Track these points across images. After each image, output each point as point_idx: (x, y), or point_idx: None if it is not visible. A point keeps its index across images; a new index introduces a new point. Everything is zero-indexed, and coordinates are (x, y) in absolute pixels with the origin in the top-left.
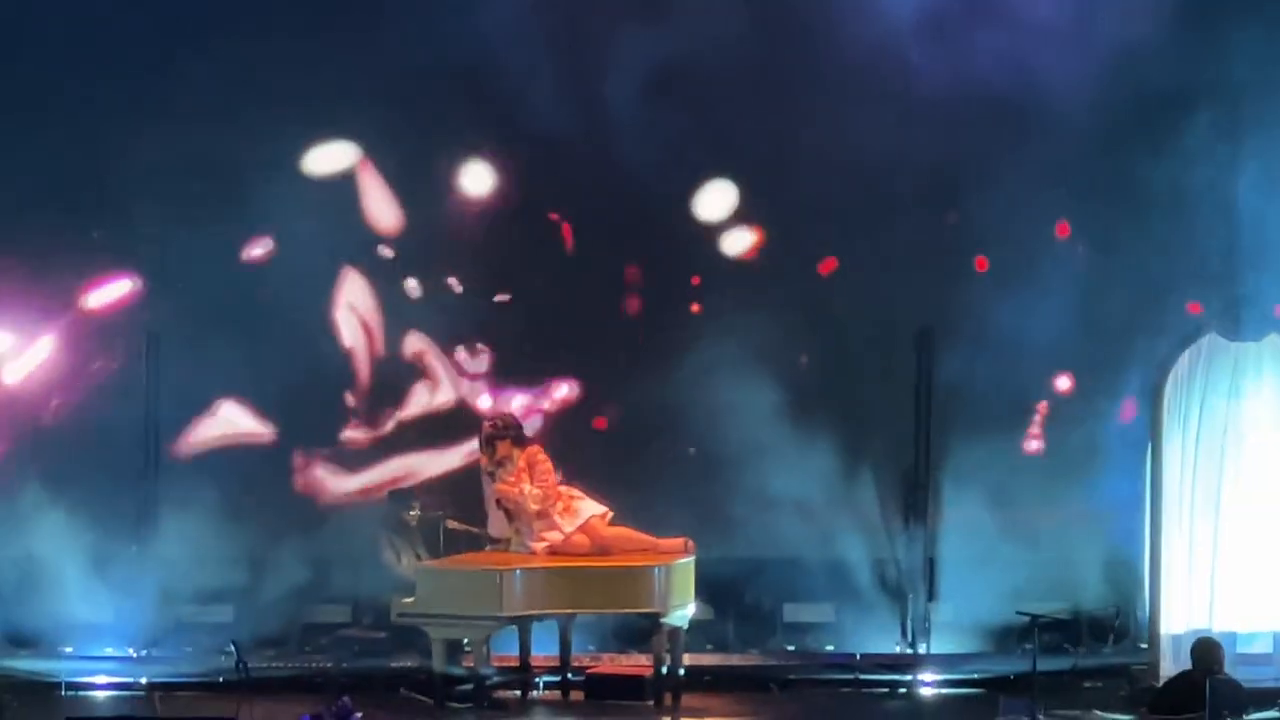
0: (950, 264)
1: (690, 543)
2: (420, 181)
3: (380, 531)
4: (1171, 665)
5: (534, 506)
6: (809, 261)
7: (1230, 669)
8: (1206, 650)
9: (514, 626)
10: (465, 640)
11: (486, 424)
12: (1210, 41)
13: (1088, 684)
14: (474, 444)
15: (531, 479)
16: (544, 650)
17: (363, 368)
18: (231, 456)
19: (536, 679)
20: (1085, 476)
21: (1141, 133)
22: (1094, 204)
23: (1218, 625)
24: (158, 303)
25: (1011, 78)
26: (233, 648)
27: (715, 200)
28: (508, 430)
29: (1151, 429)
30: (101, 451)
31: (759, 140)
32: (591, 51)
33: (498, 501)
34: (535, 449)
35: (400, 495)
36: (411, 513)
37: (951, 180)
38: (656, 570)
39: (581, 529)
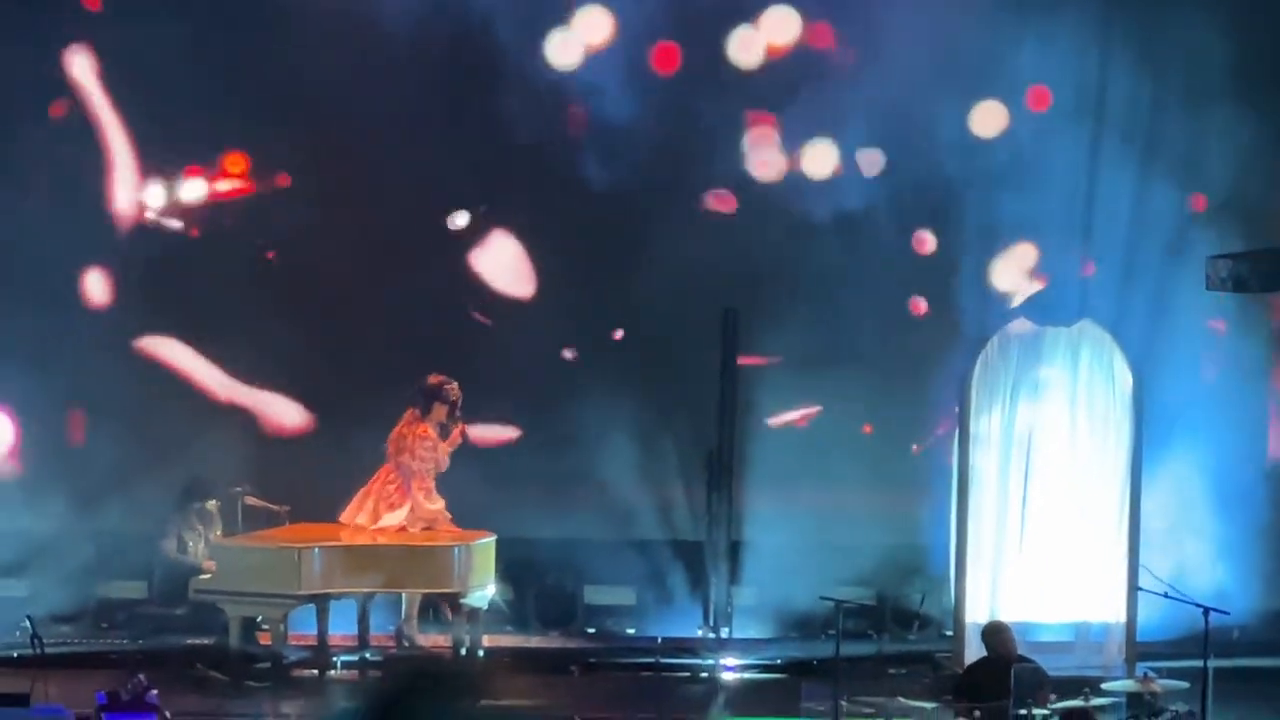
0: (754, 243)
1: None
2: None
3: (170, 519)
4: (976, 653)
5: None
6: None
7: (1034, 657)
8: (995, 632)
9: (312, 605)
10: (261, 618)
11: (438, 382)
12: None
13: (892, 670)
14: None
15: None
16: (343, 629)
17: None
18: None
19: (334, 658)
20: (895, 462)
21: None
22: None
23: (1021, 614)
24: None
25: None
26: (27, 623)
27: None
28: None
29: (960, 415)
30: None
31: None
32: None
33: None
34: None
35: (199, 485)
36: (211, 502)
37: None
38: (456, 550)
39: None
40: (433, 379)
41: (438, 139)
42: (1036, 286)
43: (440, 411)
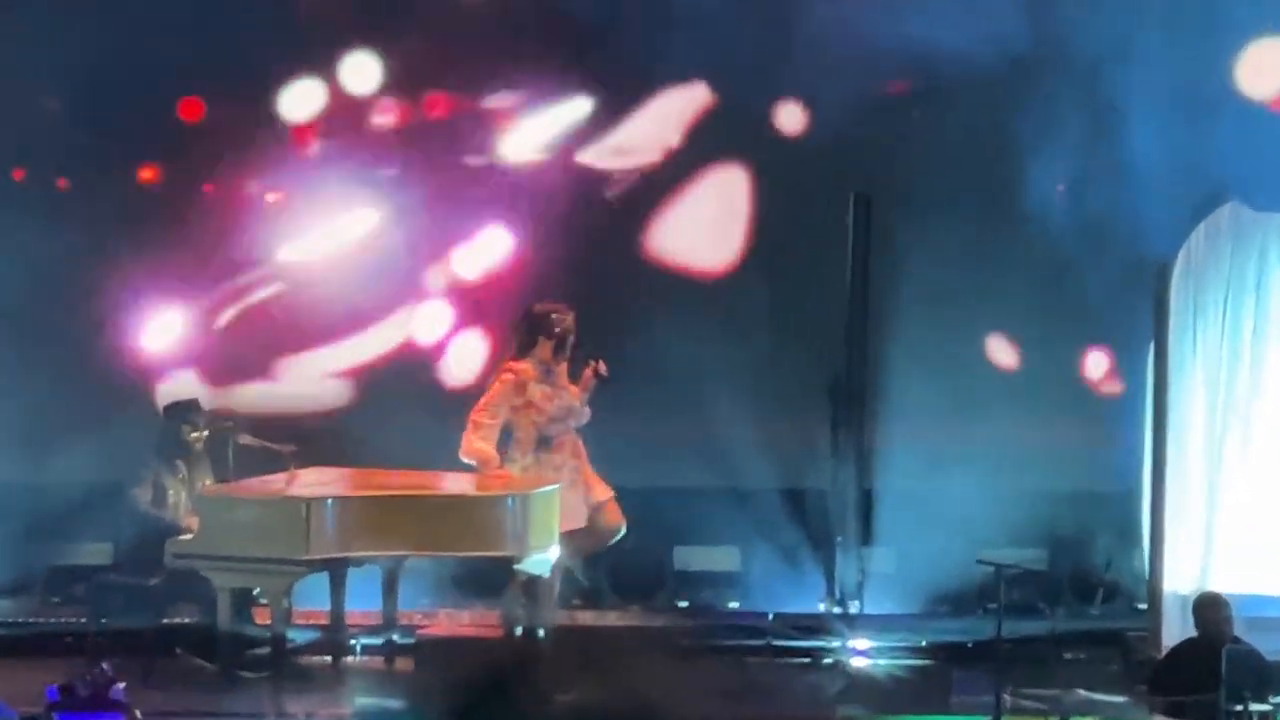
0: (897, 117)
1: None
2: None
3: (150, 461)
4: (1178, 632)
5: None
6: None
7: (1246, 636)
8: (1209, 605)
9: (325, 572)
10: (258, 590)
11: (541, 312)
12: None
13: (1069, 655)
14: None
15: None
16: (363, 605)
17: None
18: None
19: (352, 641)
20: (1069, 388)
21: None
22: None
23: (1236, 585)
24: None
25: None
26: None
27: None
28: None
29: (1155, 327)
30: None
31: None
32: None
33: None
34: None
35: (179, 409)
36: (196, 433)
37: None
38: (510, 501)
39: None
40: (537, 307)
41: None
42: None
43: (544, 348)
